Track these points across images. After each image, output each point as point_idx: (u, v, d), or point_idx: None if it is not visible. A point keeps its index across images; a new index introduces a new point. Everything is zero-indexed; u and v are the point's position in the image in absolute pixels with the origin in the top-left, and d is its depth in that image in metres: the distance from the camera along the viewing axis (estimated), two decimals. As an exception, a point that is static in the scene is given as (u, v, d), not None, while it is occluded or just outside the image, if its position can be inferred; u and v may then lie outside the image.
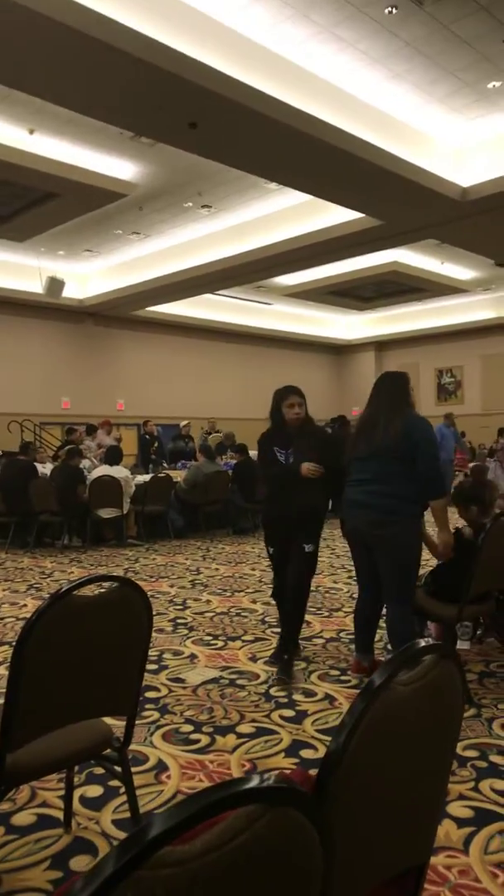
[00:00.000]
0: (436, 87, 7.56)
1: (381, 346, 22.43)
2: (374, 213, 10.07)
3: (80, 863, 1.99)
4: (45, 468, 8.70)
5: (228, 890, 0.66)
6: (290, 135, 7.24)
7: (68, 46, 5.76)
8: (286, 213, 11.34)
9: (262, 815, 0.68)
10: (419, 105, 7.97)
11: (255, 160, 8.29)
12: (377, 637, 3.67)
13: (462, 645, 3.47)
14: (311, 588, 5.56)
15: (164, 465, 11.59)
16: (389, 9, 6.18)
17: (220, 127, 7.19)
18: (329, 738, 2.75)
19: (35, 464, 8.71)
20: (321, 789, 0.89)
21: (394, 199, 9.09)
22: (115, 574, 6.12)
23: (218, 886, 0.65)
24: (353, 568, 6.23)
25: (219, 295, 16.84)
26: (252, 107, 6.70)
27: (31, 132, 8.72)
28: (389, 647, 3.83)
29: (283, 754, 2.67)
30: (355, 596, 5.18)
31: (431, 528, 3.48)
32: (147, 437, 13.21)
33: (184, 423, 13.75)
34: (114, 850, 0.59)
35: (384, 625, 3.57)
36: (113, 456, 8.25)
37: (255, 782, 0.68)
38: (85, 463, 8.60)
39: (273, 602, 5.13)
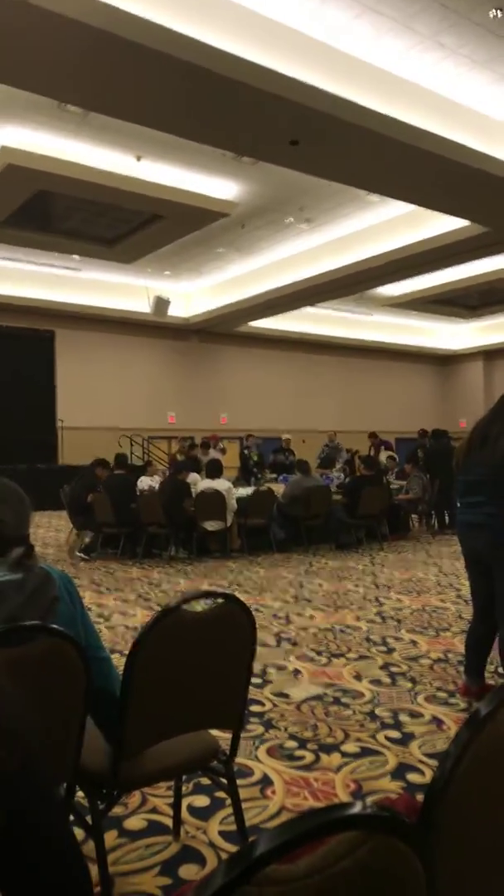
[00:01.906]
0: (544, 86, 7.30)
1: (490, 355, 21.67)
2: (479, 220, 9.82)
3: (188, 871, 2.04)
4: (153, 481, 8.98)
5: (332, 913, 0.67)
6: (392, 146, 7.20)
7: (171, 75, 6.01)
8: (388, 223, 11.26)
9: (364, 841, 0.68)
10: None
11: (357, 174, 8.29)
12: (489, 660, 3.54)
13: None
14: (418, 607, 5.48)
15: (268, 474, 11.69)
16: (495, 12, 6.05)
17: (322, 143, 7.25)
18: (436, 763, 2.68)
19: (144, 477, 9.03)
20: (426, 819, 0.89)
21: (500, 203, 8.82)
22: (219, 586, 6.24)
23: (321, 909, 0.66)
24: (460, 587, 6.07)
25: (319, 307, 16.88)
26: (353, 121, 6.73)
27: (139, 159, 9.11)
28: (501, 670, 3.69)
29: (388, 777, 2.62)
30: (463, 616, 5.05)
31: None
32: (246, 451, 13.39)
33: (284, 436, 13.84)
34: (222, 865, 0.62)
35: (497, 648, 3.44)
36: (214, 469, 8.42)
37: (358, 808, 0.69)
38: (194, 476, 8.83)
39: (379, 620, 5.08)
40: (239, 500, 8.22)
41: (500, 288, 14.97)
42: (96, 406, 16.36)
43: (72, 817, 1.80)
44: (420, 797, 0.97)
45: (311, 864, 0.67)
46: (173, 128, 7.30)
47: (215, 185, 9.91)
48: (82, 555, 8.41)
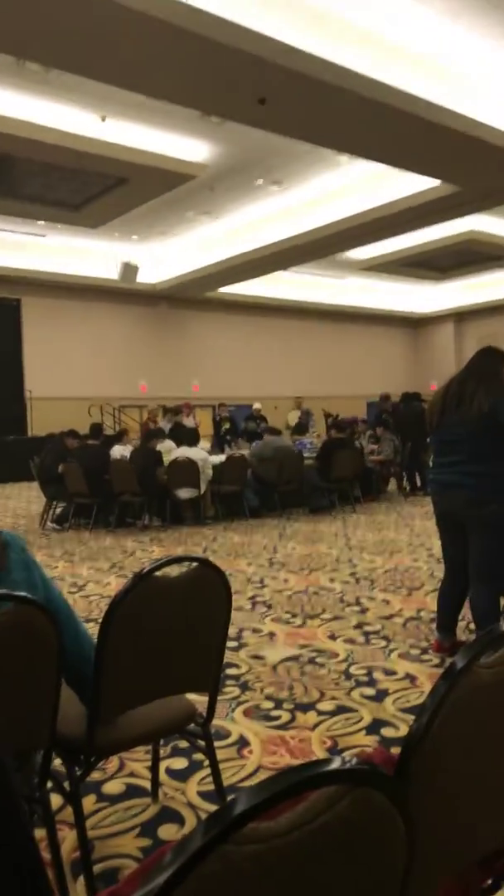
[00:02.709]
0: (514, 42, 7.20)
1: (461, 316, 21.78)
2: (450, 179, 9.75)
3: (167, 831, 2.06)
4: (125, 450, 8.91)
5: (312, 868, 0.67)
6: (361, 104, 7.08)
7: (135, 30, 5.80)
8: (358, 184, 11.13)
9: (343, 795, 0.68)
10: (495, 62, 7.60)
11: (326, 133, 8.15)
12: (460, 616, 3.60)
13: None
14: (391, 567, 5.55)
15: (240, 441, 11.69)
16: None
17: (291, 101, 7.10)
18: (411, 717, 2.74)
19: (118, 446, 8.93)
20: (402, 771, 0.89)
21: (471, 162, 8.78)
22: (194, 553, 6.25)
23: (301, 864, 0.66)
24: (432, 546, 6.15)
25: (292, 272, 16.73)
26: (322, 78, 6.59)
27: (103, 119, 8.84)
28: (473, 626, 3.76)
29: (363, 732, 2.67)
30: (435, 574, 5.12)
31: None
32: (218, 418, 13.38)
33: (255, 405, 13.83)
34: (201, 824, 0.61)
35: (468, 605, 3.50)
36: (192, 437, 8.39)
37: (336, 763, 0.68)
38: (169, 444, 8.77)
39: (352, 581, 5.15)
40: (212, 467, 8.21)
41: (471, 249, 14.96)
42: (65, 375, 16.11)
43: (49, 784, 1.80)
44: (395, 750, 0.97)
45: (292, 820, 0.67)
46: (138, 86, 7.07)
47: (183, 146, 9.67)
48: (55, 525, 8.36)
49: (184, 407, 12.79)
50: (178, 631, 1.84)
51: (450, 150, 8.31)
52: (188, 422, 11.48)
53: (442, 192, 10.19)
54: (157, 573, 1.77)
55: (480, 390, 3.13)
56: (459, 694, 0.95)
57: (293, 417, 14.25)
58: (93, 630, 1.80)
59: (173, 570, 2.14)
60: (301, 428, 13.05)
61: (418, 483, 10.22)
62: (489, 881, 1.17)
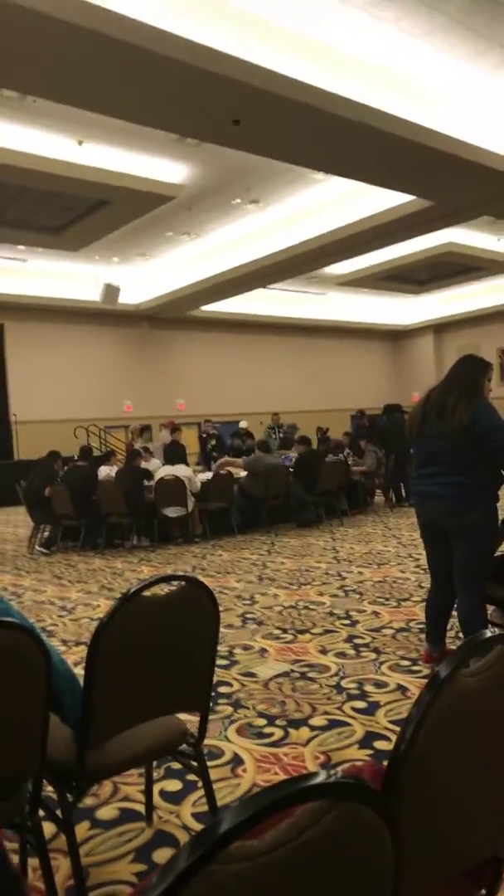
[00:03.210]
0: (482, 59, 7.34)
1: (440, 328, 22.00)
2: (424, 195, 9.88)
3: (162, 856, 2.04)
4: (111, 471, 8.89)
5: (298, 884, 0.67)
6: (334, 122, 7.18)
7: (109, 56, 5.86)
8: (335, 201, 11.26)
9: (329, 810, 0.69)
10: (465, 79, 7.75)
11: (300, 152, 8.25)
12: (448, 626, 3.61)
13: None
14: (379, 579, 5.56)
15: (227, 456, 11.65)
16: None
17: (264, 121, 7.19)
18: (403, 730, 2.73)
19: (104, 466, 8.90)
20: (390, 783, 0.90)
21: (443, 178, 8.90)
22: (183, 571, 6.22)
23: (288, 881, 0.66)
24: (419, 557, 6.17)
25: (272, 289, 16.83)
26: (294, 98, 6.67)
27: (80, 143, 8.90)
28: (462, 635, 3.77)
29: (356, 746, 2.67)
30: (423, 585, 5.14)
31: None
32: (204, 435, 13.39)
33: (242, 423, 13.82)
34: (186, 846, 0.61)
35: (456, 614, 3.51)
36: (176, 456, 8.39)
37: (321, 778, 0.69)
38: (155, 462, 8.75)
39: (342, 594, 5.15)
40: (200, 484, 8.20)
41: (449, 261, 15.14)
42: (50, 398, 16.08)
43: (42, 812, 1.78)
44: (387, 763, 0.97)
45: (277, 837, 0.67)
46: (114, 110, 7.13)
47: (160, 167, 9.75)
48: (43, 549, 8.30)
49: (168, 425, 12.78)
50: (168, 650, 1.84)
51: (422, 165, 8.43)
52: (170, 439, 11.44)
53: (416, 207, 10.33)
54: (145, 593, 1.77)
55: (462, 402, 3.16)
56: (444, 703, 0.96)
57: (266, 435, 14.03)
58: (82, 652, 1.79)
59: (161, 590, 2.14)
60: (287, 442, 13.06)
61: (403, 494, 10.27)
62: (482, 892, 1.18)
